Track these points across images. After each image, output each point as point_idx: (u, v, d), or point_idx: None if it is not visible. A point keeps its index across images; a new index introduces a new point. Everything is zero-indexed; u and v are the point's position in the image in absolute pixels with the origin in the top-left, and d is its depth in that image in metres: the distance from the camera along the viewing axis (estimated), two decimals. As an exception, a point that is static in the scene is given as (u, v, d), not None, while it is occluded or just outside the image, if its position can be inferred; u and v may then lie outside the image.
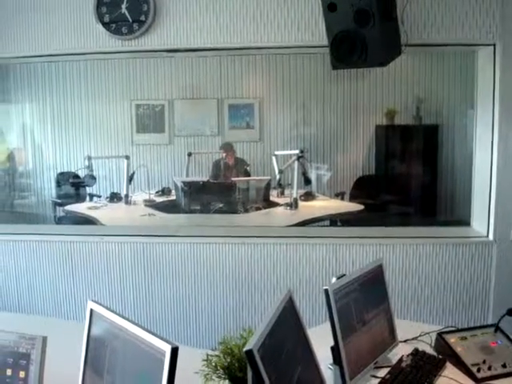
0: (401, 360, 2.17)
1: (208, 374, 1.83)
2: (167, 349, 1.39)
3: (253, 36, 3.67)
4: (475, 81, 3.95)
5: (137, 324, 1.54)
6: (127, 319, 1.59)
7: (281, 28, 3.63)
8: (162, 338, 1.43)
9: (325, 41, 3.43)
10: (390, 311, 2.32)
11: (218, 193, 5.34)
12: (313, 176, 6.24)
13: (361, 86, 6.78)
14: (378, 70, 6.26)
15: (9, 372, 1.78)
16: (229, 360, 1.83)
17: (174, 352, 1.38)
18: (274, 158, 5.88)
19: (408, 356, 2.19)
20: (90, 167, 5.58)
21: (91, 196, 6.30)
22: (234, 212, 5.18)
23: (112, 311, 1.67)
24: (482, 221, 3.91)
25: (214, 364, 1.84)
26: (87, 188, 6.32)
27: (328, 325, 2.01)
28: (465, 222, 4.15)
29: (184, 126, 7.18)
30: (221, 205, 5.20)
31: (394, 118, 6.75)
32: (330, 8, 3.30)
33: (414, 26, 3.57)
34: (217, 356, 1.86)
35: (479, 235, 3.91)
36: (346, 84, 6.80)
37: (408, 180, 6.56)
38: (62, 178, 6.82)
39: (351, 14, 3.24)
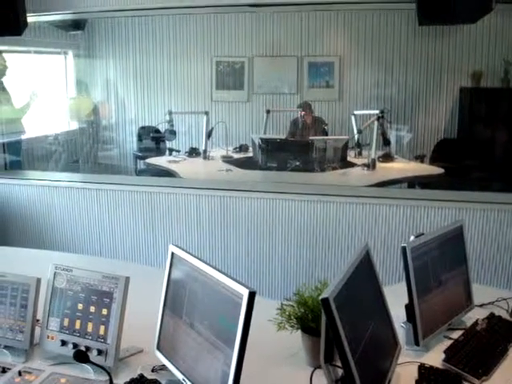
0: (476, 323, 2.14)
1: (281, 323, 1.88)
2: (245, 292, 1.43)
3: (337, -10, 3.60)
4: None
5: (216, 268, 1.59)
6: (207, 263, 1.64)
7: (367, -18, 3.54)
8: (240, 283, 1.47)
9: (412, -5, 3.32)
10: (468, 274, 2.28)
11: (295, 151, 5.33)
12: (392, 137, 6.11)
13: (446, 46, 6.51)
14: (464, 28, 6.00)
15: (92, 309, 1.89)
16: (302, 310, 1.87)
17: (252, 296, 1.42)
18: (352, 118, 5.79)
19: (483, 320, 2.15)
20: (170, 122, 5.69)
21: (170, 150, 6.42)
22: (311, 171, 5.16)
23: (192, 255, 1.72)
24: None
25: (287, 313, 1.88)
26: (167, 142, 6.46)
27: (402, 285, 2.01)
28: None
29: (263, 84, 7.15)
30: (297, 163, 5.19)
31: (480, 80, 6.47)
32: (418, -39, 3.19)
33: (508, -20, 3.40)
34: (291, 306, 1.89)
35: None
36: (429, 43, 6.55)
37: (492, 145, 6.31)
38: (143, 132, 6.98)
39: (441, -32, 3.11)
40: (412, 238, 2.05)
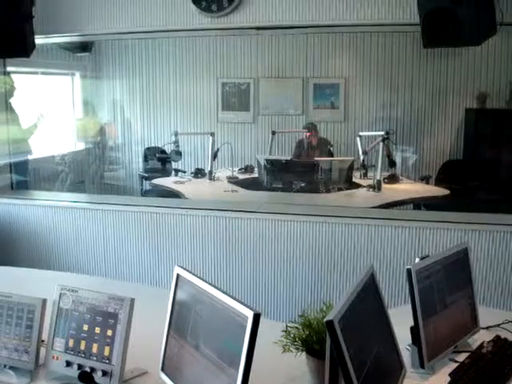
0: (481, 346, 2.12)
1: (286, 345, 1.87)
2: (250, 314, 1.43)
3: (342, 13, 3.64)
4: None
5: (221, 290, 1.59)
6: (212, 285, 1.64)
7: (371, 5, 3.58)
8: (245, 305, 1.47)
9: (416, 18, 3.35)
10: (474, 296, 2.27)
11: (300, 172, 5.35)
12: (398, 158, 6.13)
13: (451, 67, 6.55)
14: (469, 50, 6.04)
15: (97, 330, 1.88)
16: (307, 332, 1.86)
17: (256, 318, 1.42)
18: (358, 139, 5.82)
19: (489, 342, 2.14)
20: (176, 143, 5.72)
21: (176, 171, 6.46)
22: (316, 192, 5.17)
23: (198, 276, 1.73)
24: None
25: (292, 335, 1.87)
26: (173, 163, 6.49)
27: (407, 307, 2.00)
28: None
29: (268, 105, 7.20)
30: (303, 184, 5.21)
31: (485, 101, 6.50)
32: (422, -15, 3.23)
33: (510, 4, 3.42)
34: (296, 328, 1.89)
35: None
36: (435, 65, 6.60)
37: (498, 166, 6.32)
38: (149, 153, 7.02)
39: (445, -9, 3.15)
40: (417, 260, 2.05)
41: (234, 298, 1.52)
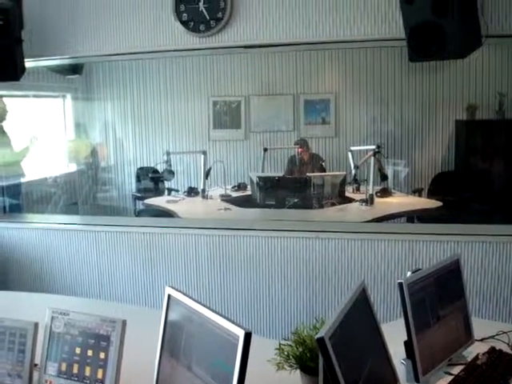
0: (476, 358, 2.12)
1: (280, 363, 1.86)
2: (241, 334, 1.43)
3: (329, 30, 3.67)
4: None
5: (212, 309, 1.59)
6: (203, 304, 1.64)
7: (357, 21, 3.61)
8: (236, 324, 1.47)
9: (402, 33, 3.38)
10: (467, 308, 2.27)
11: (292, 188, 5.35)
12: (389, 172, 6.14)
13: (440, 80, 6.59)
14: (457, 62, 6.06)
15: (90, 353, 1.88)
16: (301, 350, 1.86)
17: (248, 337, 1.42)
18: (349, 154, 5.83)
19: (484, 354, 2.14)
20: (168, 162, 5.73)
21: (169, 190, 6.45)
22: (309, 207, 5.17)
23: (188, 296, 1.73)
24: None
25: (286, 353, 1.87)
26: (166, 182, 6.48)
27: (402, 321, 2.00)
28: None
29: (260, 122, 7.21)
30: (295, 200, 5.21)
31: (475, 112, 6.53)
32: (407, 0, 3.26)
33: (494, 16, 3.46)
34: (289, 345, 1.88)
35: None
36: (424, 78, 6.64)
37: (490, 177, 6.33)
38: (142, 173, 7.01)
39: (429, 5, 3.17)
40: (409, 273, 2.06)
41: (225, 317, 1.52)
